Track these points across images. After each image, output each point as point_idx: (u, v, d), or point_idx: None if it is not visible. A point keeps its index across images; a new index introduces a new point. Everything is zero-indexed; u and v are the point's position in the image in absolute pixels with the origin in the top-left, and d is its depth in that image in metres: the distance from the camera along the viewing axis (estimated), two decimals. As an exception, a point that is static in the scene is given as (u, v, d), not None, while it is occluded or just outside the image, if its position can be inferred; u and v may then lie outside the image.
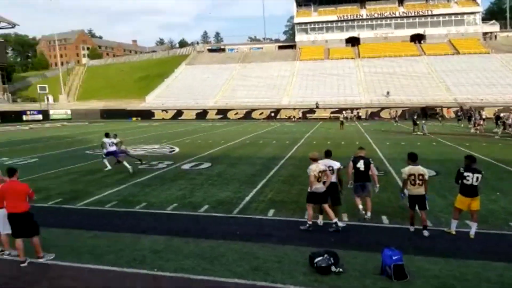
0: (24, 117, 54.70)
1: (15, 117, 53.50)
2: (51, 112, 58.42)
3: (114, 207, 9.35)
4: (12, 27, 75.30)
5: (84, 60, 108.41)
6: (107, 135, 14.69)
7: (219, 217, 8.46)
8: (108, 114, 57.59)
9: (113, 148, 14.41)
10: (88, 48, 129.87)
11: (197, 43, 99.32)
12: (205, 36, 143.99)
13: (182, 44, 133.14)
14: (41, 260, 6.23)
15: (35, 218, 6.33)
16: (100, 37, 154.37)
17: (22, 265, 6.12)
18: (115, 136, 14.96)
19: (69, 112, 59.57)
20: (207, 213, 8.75)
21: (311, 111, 49.57)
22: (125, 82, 73.12)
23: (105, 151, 14.50)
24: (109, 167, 14.25)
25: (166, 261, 6.16)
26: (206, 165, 15.20)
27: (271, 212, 8.74)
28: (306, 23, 72.37)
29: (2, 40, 75.44)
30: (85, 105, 64.14)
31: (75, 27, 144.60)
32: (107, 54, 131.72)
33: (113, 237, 7.27)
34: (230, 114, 52.36)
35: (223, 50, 79.28)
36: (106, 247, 6.78)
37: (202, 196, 10.22)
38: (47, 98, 61.10)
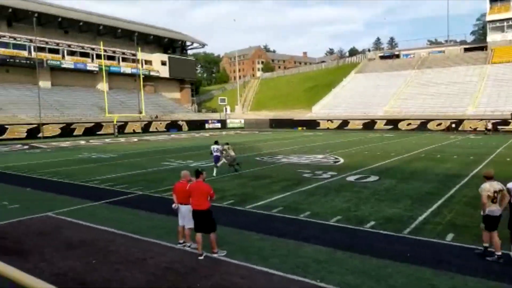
0: (206, 125, 63.50)
1: (199, 125, 62.65)
2: (228, 121, 65.96)
3: (280, 213, 9.83)
4: (202, 47, 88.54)
5: (258, 74, 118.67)
6: (216, 142, 17.43)
7: (387, 235, 7.98)
8: (276, 124, 61.63)
9: (218, 154, 16.77)
10: (262, 62, 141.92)
11: (368, 50, 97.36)
12: (377, 42, 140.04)
13: (352, 52, 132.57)
14: (215, 255, 6.94)
15: (213, 216, 7.12)
16: (274, 51, 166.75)
17: (200, 257, 6.91)
18: (227, 144, 17.32)
19: (242, 121, 66.13)
20: (373, 230, 8.36)
21: (505, 122, 42.67)
22: (293, 93, 77.04)
23: (213, 156, 16.88)
24: (214, 174, 15.93)
25: (329, 273, 6.12)
26: (373, 178, 14.64)
27: (449, 236, 7.79)
28: (502, 20, 62.83)
29: (193, 59, 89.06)
30: (257, 115, 70.08)
31: (253, 43, 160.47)
32: (279, 67, 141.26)
33: (278, 242, 7.63)
34: (402, 125, 49.41)
35: (397, 56, 75.58)
36: (271, 251, 7.16)
37: (368, 211, 9.84)
38: (225, 109, 69.25)
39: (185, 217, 7.38)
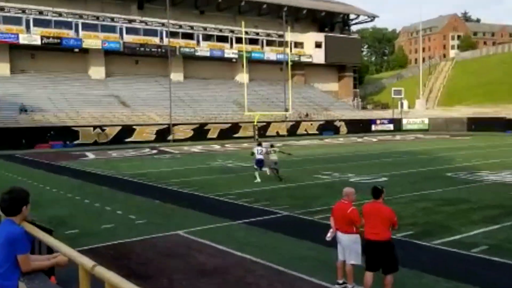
0: (373, 127, 63.01)
1: (363, 126, 62.50)
2: (404, 121, 64.16)
3: (483, 254, 9.10)
4: (371, 21, 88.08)
5: (452, 53, 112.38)
6: (259, 144, 20.23)
7: None
8: (477, 125, 57.32)
9: (261, 157, 19.09)
10: (459, 37, 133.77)
11: None
12: None
13: None
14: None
15: (396, 250, 6.85)
16: (478, 21, 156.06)
17: (366, 305, 6.83)
18: (272, 146, 19.93)
19: (426, 121, 63.49)
20: None
21: None
22: (507, 80, 70.66)
23: (255, 159, 19.32)
24: (258, 179, 19.05)
25: None
26: None
27: None
28: None
29: (359, 37, 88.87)
30: (448, 112, 66.35)
31: (445, 12, 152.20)
32: (485, 42, 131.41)
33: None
34: None
35: None
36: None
37: None
38: (401, 104, 67.25)
39: (345, 249, 7.32)
